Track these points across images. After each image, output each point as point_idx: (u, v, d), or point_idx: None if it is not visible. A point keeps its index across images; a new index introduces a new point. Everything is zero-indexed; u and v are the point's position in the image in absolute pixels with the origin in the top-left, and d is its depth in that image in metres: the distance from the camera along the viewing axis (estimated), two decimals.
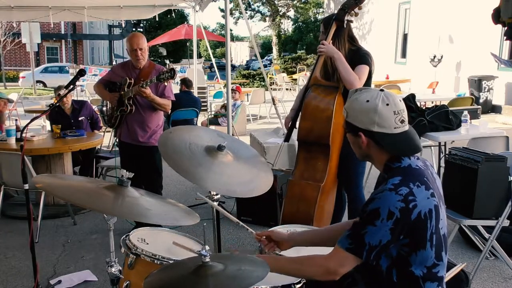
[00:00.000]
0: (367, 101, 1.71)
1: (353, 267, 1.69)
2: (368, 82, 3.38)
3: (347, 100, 1.82)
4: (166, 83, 3.85)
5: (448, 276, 2.03)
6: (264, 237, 2.07)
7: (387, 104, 1.69)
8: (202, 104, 8.87)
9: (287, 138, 3.67)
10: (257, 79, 20.23)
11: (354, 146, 1.84)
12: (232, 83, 9.34)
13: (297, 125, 3.51)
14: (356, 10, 3.29)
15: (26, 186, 3.06)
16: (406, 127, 1.73)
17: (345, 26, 3.33)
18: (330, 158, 3.30)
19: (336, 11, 3.42)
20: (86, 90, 14.45)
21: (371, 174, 5.15)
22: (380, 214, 1.61)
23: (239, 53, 51.57)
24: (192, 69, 12.47)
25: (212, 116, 9.39)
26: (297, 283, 1.96)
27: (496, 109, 11.32)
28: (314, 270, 1.74)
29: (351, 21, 3.36)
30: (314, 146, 3.34)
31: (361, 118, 1.73)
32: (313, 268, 1.75)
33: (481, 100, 11.03)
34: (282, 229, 2.55)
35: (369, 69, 3.31)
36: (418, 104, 5.20)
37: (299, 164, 3.41)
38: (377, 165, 1.81)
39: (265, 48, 44.81)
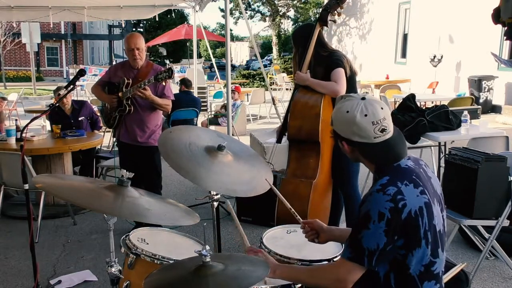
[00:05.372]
0: (347, 111, 1.73)
1: (361, 273, 1.69)
2: (352, 85, 3.45)
3: (334, 108, 1.84)
4: (164, 83, 3.84)
5: (448, 276, 2.04)
6: (307, 225, 2.14)
7: (366, 115, 1.69)
8: (202, 104, 8.87)
9: (279, 140, 3.75)
10: (257, 79, 20.23)
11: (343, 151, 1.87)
12: (232, 83, 9.34)
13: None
14: (339, 10, 3.35)
15: (26, 186, 3.06)
16: (388, 135, 1.72)
17: (328, 26, 3.40)
18: (321, 155, 3.34)
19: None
20: (86, 90, 14.45)
21: (371, 174, 5.15)
22: (371, 216, 1.62)
23: (239, 53, 51.56)
24: (192, 69, 12.47)
25: (212, 116, 9.39)
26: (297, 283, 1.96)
27: (496, 109, 11.32)
28: (325, 278, 1.76)
29: (334, 21, 3.42)
30: (304, 144, 3.39)
31: (342, 128, 1.76)
32: (325, 276, 1.77)
33: (481, 100, 11.03)
34: (283, 229, 2.55)
35: (344, 71, 3.37)
36: (418, 104, 5.20)
37: (291, 163, 3.46)
38: (369, 167, 1.83)
39: (265, 48, 44.77)
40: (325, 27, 3.47)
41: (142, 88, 3.81)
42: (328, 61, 3.41)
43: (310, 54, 3.41)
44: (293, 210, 2.21)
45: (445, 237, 1.78)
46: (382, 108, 1.71)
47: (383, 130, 1.70)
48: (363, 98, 1.73)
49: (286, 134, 3.53)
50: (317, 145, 3.33)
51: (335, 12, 3.36)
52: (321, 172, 3.36)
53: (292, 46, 3.62)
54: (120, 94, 3.98)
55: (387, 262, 1.70)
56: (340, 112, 1.75)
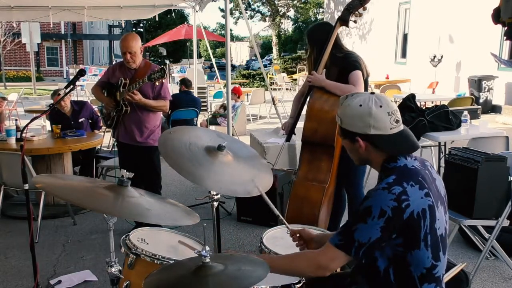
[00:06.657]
0: (360, 105, 1.73)
1: (344, 263, 1.71)
2: (365, 87, 3.40)
3: (339, 107, 1.82)
4: (157, 83, 3.77)
5: (448, 276, 2.04)
6: (297, 234, 2.11)
7: (380, 106, 1.71)
8: (202, 104, 8.87)
9: (288, 138, 3.70)
10: (257, 79, 20.24)
11: (351, 153, 1.86)
12: (232, 83, 9.33)
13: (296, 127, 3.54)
14: (361, 10, 3.31)
15: (26, 186, 3.06)
16: (402, 126, 1.75)
17: (348, 27, 3.36)
18: (333, 159, 3.30)
19: (336, 12, 3.45)
20: (86, 90, 14.46)
21: (371, 174, 5.15)
22: (372, 212, 1.63)
23: (239, 53, 51.59)
24: (192, 69, 12.47)
25: (211, 116, 9.38)
26: (297, 283, 1.96)
27: (496, 109, 11.32)
28: (305, 265, 1.76)
29: (355, 22, 3.37)
30: (318, 147, 3.33)
31: (356, 123, 1.74)
32: (305, 262, 1.77)
33: (481, 100, 11.03)
34: (283, 229, 2.55)
35: (361, 73, 3.32)
36: (418, 104, 5.20)
37: (303, 165, 3.40)
38: (375, 167, 1.82)
39: (265, 48, 44.80)
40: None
41: (131, 92, 3.77)
42: (344, 62, 3.34)
43: (327, 54, 3.34)
44: (281, 217, 2.17)
45: (447, 239, 1.77)
46: (392, 101, 1.75)
47: (397, 121, 1.73)
48: (372, 93, 1.75)
49: (301, 135, 3.46)
50: (331, 149, 3.27)
51: (357, 12, 3.31)
52: (331, 176, 3.32)
53: (307, 45, 3.53)
54: (117, 93, 3.97)
55: (385, 257, 1.71)
56: (352, 107, 1.74)
